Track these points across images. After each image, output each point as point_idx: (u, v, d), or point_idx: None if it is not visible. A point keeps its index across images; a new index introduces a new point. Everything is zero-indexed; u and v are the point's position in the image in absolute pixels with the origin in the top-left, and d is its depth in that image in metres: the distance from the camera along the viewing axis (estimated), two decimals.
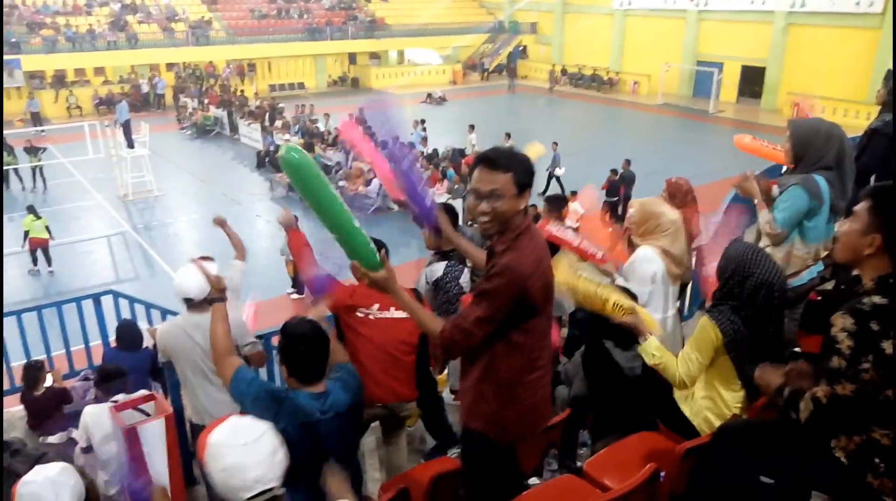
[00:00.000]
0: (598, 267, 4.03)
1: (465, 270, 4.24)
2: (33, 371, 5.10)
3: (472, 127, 19.54)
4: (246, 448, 1.87)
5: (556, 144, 16.77)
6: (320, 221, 2.49)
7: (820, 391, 2.15)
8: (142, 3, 31.57)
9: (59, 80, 28.55)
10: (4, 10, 28.44)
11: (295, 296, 11.58)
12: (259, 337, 5.16)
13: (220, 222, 5.41)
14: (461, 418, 2.67)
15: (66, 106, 27.18)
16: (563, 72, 35.21)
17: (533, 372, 2.48)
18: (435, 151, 17.91)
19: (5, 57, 26.03)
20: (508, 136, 17.66)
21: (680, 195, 4.37)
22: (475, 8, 40.62)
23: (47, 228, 12.57)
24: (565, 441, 3.32)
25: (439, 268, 4.32)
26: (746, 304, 2.82)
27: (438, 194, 13.66)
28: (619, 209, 13.79)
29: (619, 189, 14.69)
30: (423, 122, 20.67)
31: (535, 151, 4.73)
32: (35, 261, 12.53)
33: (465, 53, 38.34)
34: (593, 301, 3.02)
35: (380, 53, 36.93)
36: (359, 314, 3.46)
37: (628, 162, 15.21)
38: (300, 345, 2.47)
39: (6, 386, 5.98)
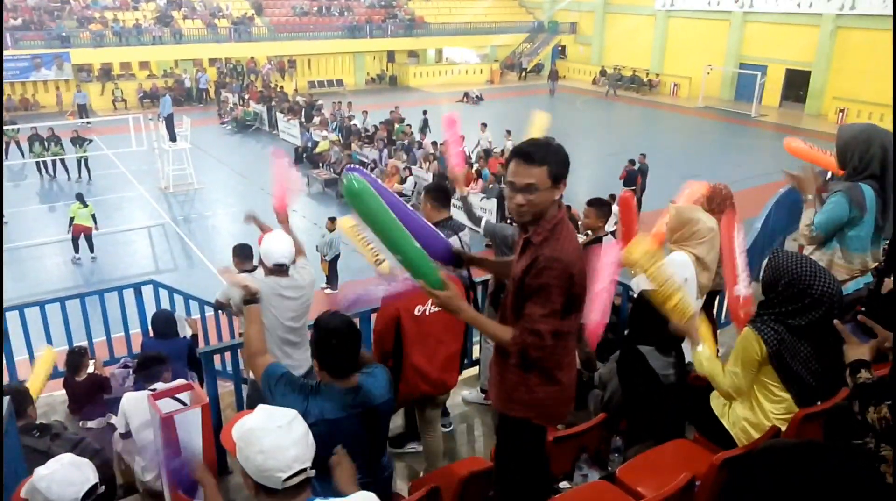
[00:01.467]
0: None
1: (456, 237, 4.27)
2: (76, 357, 5.23)
3: (484, 125, 19.63)
4: (281, 429, 1.91)
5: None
6: (384, 245, 2.54)
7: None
8: (187, 0, 32.17)
9: (106, 73, 29.25)
10: (56, 5, 29.26)
11: (329, 291, 11.70)
12: None
13: (251, 218, 5.58)
14: (498, 408, 2.69)
15: (111, 99, 27.85)
16: (603, 72, 34.88)
17: (569, 355, 2.59)
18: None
19: (56, 50, 26.81)
20: (509, 133, 17.56)
21: (718, 200, 4.30)
22: (515, 7, 40.46)
23: (93, 216, 12.88)
24: (598, 445, 3.29)
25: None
26: (798, 314, 2.75)
27: (473, 193, 13.63)
28: (640, 199, 14.10)
29: (636, 179, 15.13)
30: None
31: (540, 120, 4.70)
32: (77, 249, 12.80)
33: (503, 53, 38.21)
34: (658, 292, 3.00)
35: (418, 52, 37.02)
36: (417, 312, 3.55)
37: (644, 156, 15.90)
38: (332, 339, 2.49)
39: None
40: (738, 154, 20.87)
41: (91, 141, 18.45)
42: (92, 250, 12.93)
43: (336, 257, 11.75)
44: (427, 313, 3.56)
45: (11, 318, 5.97)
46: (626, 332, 3.53)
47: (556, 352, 2.49)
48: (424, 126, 21.98)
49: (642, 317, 3.33)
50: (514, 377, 2.55)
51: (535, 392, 2.55)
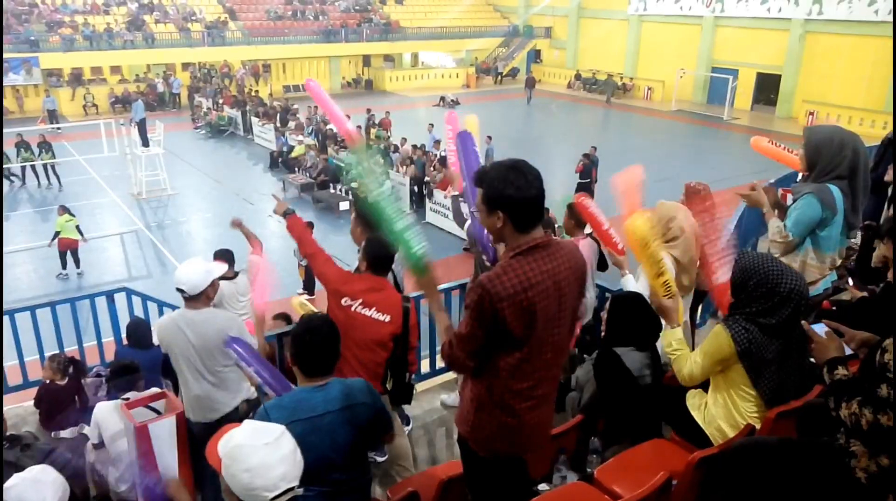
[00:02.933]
0: (614, 257, 4.10)
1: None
2: (64, 363, 5.17)
3: (431, 125, 20.12)
4: (268, 447, 1.87)
5: (489, 137, 16.99)
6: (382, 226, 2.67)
7: (864, 417, 2.13)
8: (159, 3, 31.83)
9: (76, 78, 28.81)
10: (24, 8, 28.76)
11: (306, 297, 11.61)
12: (270, 338, 5.21)
13: (237, 224, 5.55)
14: (455, 420, 2.68)
15: (82, 104, 27.44)
16: (577, 77, 35.15)
17: (523, 401, 2.40)
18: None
19: (25, 55, 26.34)
20: (489, 138, 17.60)
21: (695, 200, 4.35)
22: (489, 12, 40.65)
23: (78, 228, 12.36)
24: (575, 447, 3.30)
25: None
26: (769, 313, 2.80)
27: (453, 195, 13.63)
28: (593, 191, 14.70)
29: (591, 172, 15.61)
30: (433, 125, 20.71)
31: (471, 122, 4.71)
32: (64, 265, 12.27)
33: (479, 57, 38.37)
34: (651, 265, 3.04)
35: (394, 56, 37.03)
36: (343, 302, 3.53)
37: (594, 148, 16.45)
38: (309, 335, 2.49)
39: (19, 382, 6.04)
40: (711, 156, 21.17)
41: (50, 146, 17.96)
42: (78, 266, 12.41)
43: None
44: (352, 309, 3.52)
45: None
46: (602, 334, 3.55)
47: (498, 388, 2.38)
48: (370, 125, 22.08)
49: (619, 318, 3.36)
50: (469, 393, 2.50)
51: (471, 415, 2.48)
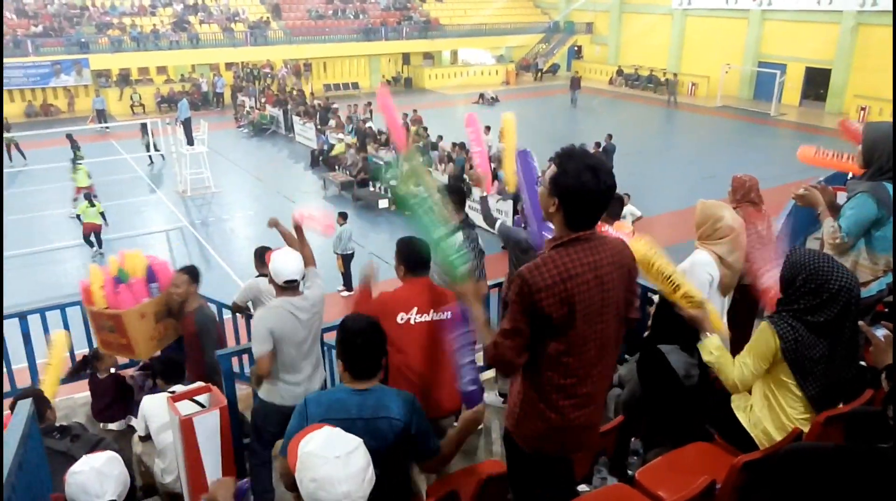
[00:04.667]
0: None
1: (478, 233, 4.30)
2: (92, 357, 5.31)
3: (488, 128, 19.69)
4: (339, 460, 1.83)
5: (610, 135, 16.87)
6: (421, 232, 2.67)
7: None
8: (203, 4, 32.46)
9: (124, 78, 29.59)
10: (75, 11, 29.64)
11: (345, 293, 11.73)
12: None
13: (274, 223, 5.63)
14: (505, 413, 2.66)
15: (129, 104, 28.17)
16: (619, 72, 34.70)
17: (567, 399, 2.38)
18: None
19: (75, 56, 27.16)
20: (609, 136, 17.43)
21: (742, 191, 4.24)
22: (530, 8, 40.41)
23: (102, 214, 13.41)
24: (616, 448, 3.26)
25: (458, 237, 4.31)
26: (817, 311, 2.72)
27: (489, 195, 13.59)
28: None
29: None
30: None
31: (508, 120, 4.67)
32: (91, 244, 13.36)
33: (519, 54, 38.18)
34: (664, 283, 2.98)
35: (433, 54, 37.09)
36: (399, 320, 3.35)
37: (610, 136, 16.68)
38: (356, 339, 2.50)
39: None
40: (758, 153, 20.66)
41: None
42: (100, 247, 13.35)
43: (350, 256, 11.80)
44: (412, 322, 3.36)
45: (28, 322, 6.02)
46: (646, 332, 3.49)
47: (541, 383, 2.36)
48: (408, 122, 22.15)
49: (665, 316, 3.29)
50: (516, 389, 2.49)
51: (517, 410, 2.47)
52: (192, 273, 4.92)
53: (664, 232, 12.81)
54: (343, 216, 11.84)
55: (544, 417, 2.40)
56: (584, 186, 2.19)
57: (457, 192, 4.32)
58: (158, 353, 4.97)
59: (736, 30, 29.80)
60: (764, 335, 2.81)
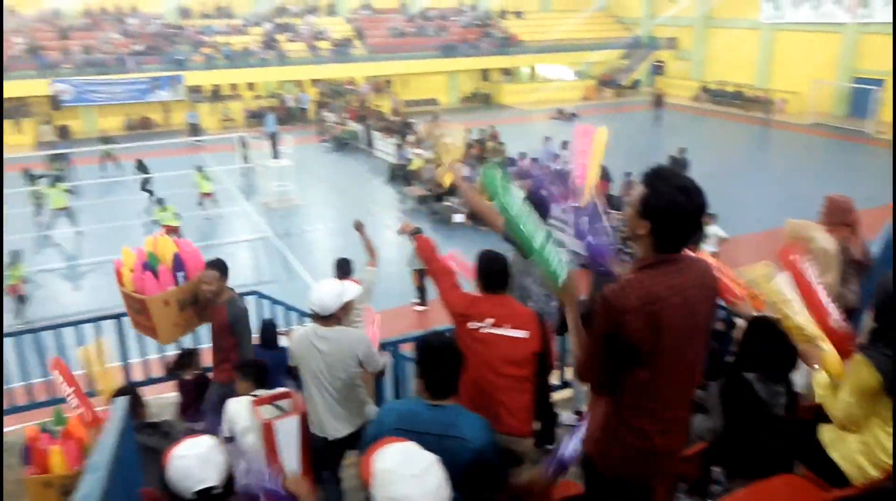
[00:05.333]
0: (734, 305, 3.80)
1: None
2: (188, 358, 5.55)
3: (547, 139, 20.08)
4: (415, 479, 1.83)
5: (682, 149, 16.58)
6: (513, 229, 2.63)
7: None
8: (291, 24, 33.72)
9: (216, 94, 31.05)
10: (172, 31, 31.35)
11: (419, 307, 11.83)
12: (385, 345, 5.36)
13: (359, 227, 5.78)
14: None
15: (220, 118, 29.53)
16: (704, 89, 33.77)
17: (652, 424, 2.31)
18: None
19: (172, 73, 28.71)
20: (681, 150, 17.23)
21: (836, 213, 4.03)
22: (611, 23, 39.95)
23: (176, 214, 14.31)
24: (697, 476, 3.15)
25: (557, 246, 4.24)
26: None
27: (574, 208, 13.46)
28: None
29: None
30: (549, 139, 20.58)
31: (601, 135, 4.58)
32: None
33: (599, 69, 37.76)
34: (778, 310, 2.87)
35: (512, 70, 37.18)
36: (470, 326, 3.30)
37: (683, 149, 16.65)
38: (435, 358, 2.52)
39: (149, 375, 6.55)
40: (854, 173, 19.62)
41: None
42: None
43: (424, 270, 11.87)
44: (482, 331, 3.24)
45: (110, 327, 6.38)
46: (731, 358, 3.36)
47: (624, 405, 2.31)
48: (485, 138, 22.16)
49: (755, 343, 3.16)
50: (598, 411, 2.45)
51: (598, 432, 2.42)
52: (221, 268, 5.04)
53: (751, 253, 12.32)
54: (418, 232, 11.88)
55: (627, 442, 2.35)
56: (677, 208, 2.13)
57: (540, 204, 4.27)
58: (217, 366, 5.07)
59: (829, 44, 28.49)
60: (859, 368, 2.65)
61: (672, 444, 2.42)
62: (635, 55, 37.62)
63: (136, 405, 3.66)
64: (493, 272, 3.38)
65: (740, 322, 3.65)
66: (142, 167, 18.28)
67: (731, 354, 3.54)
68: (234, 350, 4.98)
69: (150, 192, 17.59)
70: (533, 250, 2.54)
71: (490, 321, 3.26)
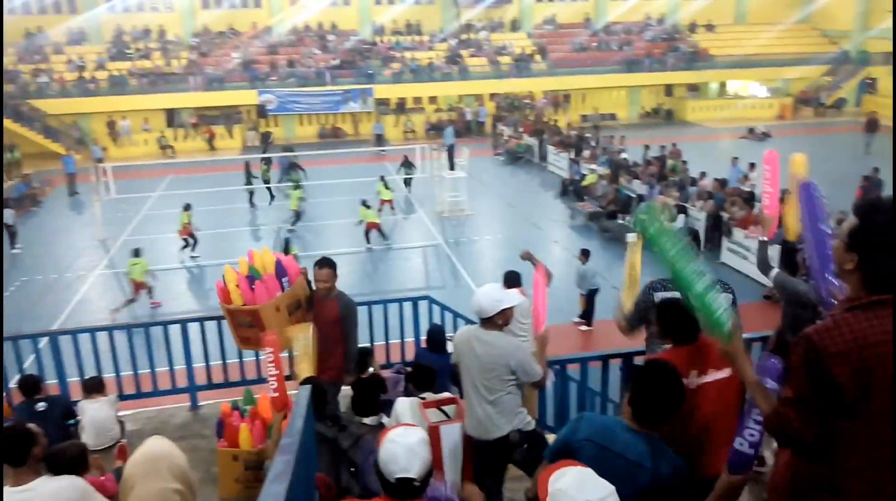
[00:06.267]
0: None
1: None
2: (364, 357, 5.86)
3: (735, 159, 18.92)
4: None
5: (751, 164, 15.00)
6: (676, 280, 2.51)
7: None
8: (475, 40, 34.69)
9: (400, 106, 32.71)
10: (366, 47, 33.50)
11: (584, 327, 11.60)
12: (551, 363, 5.29)
13: (527, 257, 5.87)
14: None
15: (403, 130, 31.07)
16: None
17: (854, 484, 2.05)
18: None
19: (363, 86, 30.69)
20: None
21: None
22: (814, 37, 36.71)
23: (382, 209, 15.94)
24: None
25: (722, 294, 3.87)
26: None
27: (753, 237, 12.53)
28: None
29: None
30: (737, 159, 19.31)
31: (798, 162, 4.07)
32: (369, 239, 15.79)
33: (798, 86, 34.82)
34: None
35: (699, 85, 35.42)
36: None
37: (877, 170, 15.84)
38: (650, 387, 2.44)
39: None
40: None
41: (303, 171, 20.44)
42: (386, 238, 15.96)
43: (593, 291, 11.60)
44: (693, 386, 2.95)
45: None
46: None
47: (833, 460, 2.05)
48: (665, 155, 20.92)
49: None
50: (787, 463, 2.22)
51: (795, 489, 2.16)
52: (332, 265, 5.21)
53: None
54: (585, 254, 11.65)
55: (820, 500, 2.12)
56: (890, 242, 1.92)
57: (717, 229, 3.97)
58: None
59: None
60: None
61: None
62: (842, 71, 34.27)
63: (319, 396, 3.90)
64: (682, 325, 3.10)
65: None
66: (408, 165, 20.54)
67: None
68: (340, 345, 5.16)
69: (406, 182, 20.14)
70: (694, 295, 2.39)
71: (693, 373, 3.01)
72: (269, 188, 19.93)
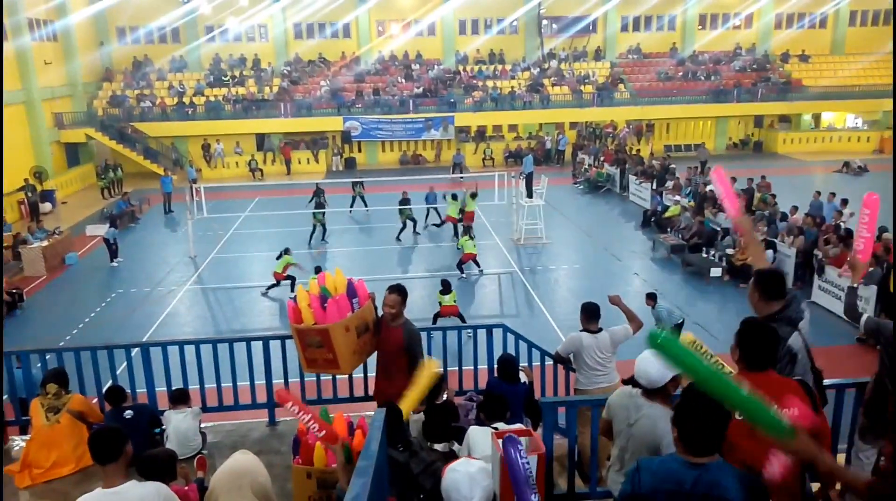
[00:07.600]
0: None
1: (796, 333, 3.51)
2: (438, 383, 5.87)
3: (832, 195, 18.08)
4: None
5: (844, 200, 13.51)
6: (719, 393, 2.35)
7: None
8: (558, 68, 34.68)
9: (481, 134, 32.99)
10: (449, 76, 34.04)
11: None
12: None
13: (616, 301, 5.80)
14: None
15: (482, 157, 31.27)
16: None
17: None
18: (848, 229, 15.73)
19: (445, 114, 31.16)
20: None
21: None
22: None
23: (475, 245, 15.98)
24: None
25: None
26: None
27: (845, 277, 11.85)
28: None
29: None
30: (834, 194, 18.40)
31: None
32: (461, 271, 15.89)
33: None
34: None
35: (791, 116, 34.08)
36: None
37: None
38: (694, 412, 2.39)
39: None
40: None
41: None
42: (479, 266, 16.02)
43: (679, 326, 11.15)
44: None
45: None
46: None
47: None
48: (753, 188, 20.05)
49: None
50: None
51: None
52: (402, 292, 5.23)
53: None
54: (652, 298, 11.01)
55: None
56: None
57: (771, 278, 3.65)
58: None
59: None
60: None
61: None
62: None
63: (396, 420, 3.94)
64: (759, 349, 3.01)
65: None
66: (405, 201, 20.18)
67: None
68: (402, 374, 5.12)
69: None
70: (741, 402, 2.26)
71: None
72: (323, 226, 19.41)
